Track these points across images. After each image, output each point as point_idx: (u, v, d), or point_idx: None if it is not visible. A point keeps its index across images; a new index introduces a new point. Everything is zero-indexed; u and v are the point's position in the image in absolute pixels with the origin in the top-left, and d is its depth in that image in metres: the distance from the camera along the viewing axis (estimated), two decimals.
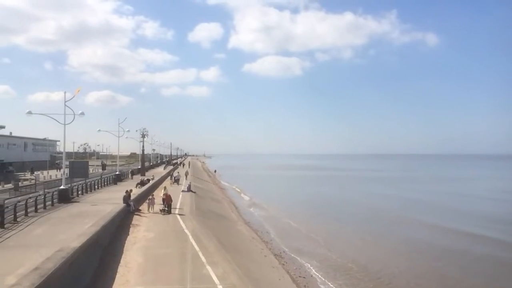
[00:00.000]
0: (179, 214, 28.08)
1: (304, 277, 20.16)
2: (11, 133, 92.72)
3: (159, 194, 32.20)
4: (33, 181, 53.29)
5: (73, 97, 31.22)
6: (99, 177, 48.59)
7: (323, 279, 20.57)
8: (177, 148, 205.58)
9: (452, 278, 21.77)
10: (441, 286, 20.62)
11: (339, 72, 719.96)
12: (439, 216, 41.34)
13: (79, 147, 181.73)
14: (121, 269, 15.22)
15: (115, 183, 48.38)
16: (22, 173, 72.12)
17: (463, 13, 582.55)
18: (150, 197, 30.13)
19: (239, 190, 67.38)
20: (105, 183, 46.19)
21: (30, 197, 27.06)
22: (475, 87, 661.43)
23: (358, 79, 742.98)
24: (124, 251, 17.81)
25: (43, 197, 27.30)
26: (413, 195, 60.39)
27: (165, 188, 33.47)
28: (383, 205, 49.87)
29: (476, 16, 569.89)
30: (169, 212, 28.25)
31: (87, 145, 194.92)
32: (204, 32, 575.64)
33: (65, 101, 30.32)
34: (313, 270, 21.97)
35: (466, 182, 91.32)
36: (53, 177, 64.22)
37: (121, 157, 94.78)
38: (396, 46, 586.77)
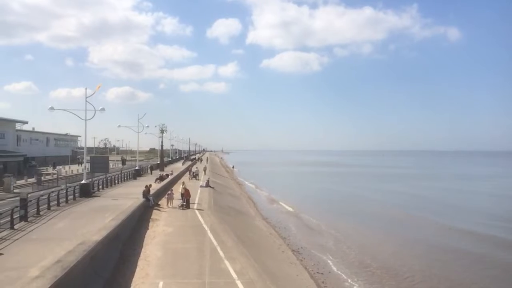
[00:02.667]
0: (198, 209, 28.25)
1: (322, 273, 20.05)
2: (33, 128, 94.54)
3: (177, 189, 32.45)
4: (55, 176, 54.38)
5: (94, 93, 31.56)
6: (119, 172, 49.21)
7: (343, 276, 20.43)
8: (196, 144, 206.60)
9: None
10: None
11: (357, 68, 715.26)
12: (454, 216, 40.19)
13: (99, 143, 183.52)
14: (141, 263, 15.42)
15: (135, 178, 48.93)
16: (45, 168, 73.64)
17: (487, 6, 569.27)
18: (169, 192, 30.38)
19: (256, 186, 67.38)
20: (125, 178, 46.73)
21: (52, 191, 27.59)
22: (499, 84, 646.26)
23: (377, 74, 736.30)
24: (143, 245, 18.03)
25: (65, 191, 27.76)
26: (428, 193, 59.19)
27: (183, 183, 33.71)
28: (399, 203, 48.79)
29: (500, 10, 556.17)
30: (187, 207, 28.45)
31: (108, 141, 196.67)
32: (223, 28, 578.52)
33: (86, 97, 30.74)
34: (332, 267, 21.83)
35: (485, 180, 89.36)
36: (75, 172, 65.42)
37: (141, 152, 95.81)
38: (417, 41, 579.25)
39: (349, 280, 19.71)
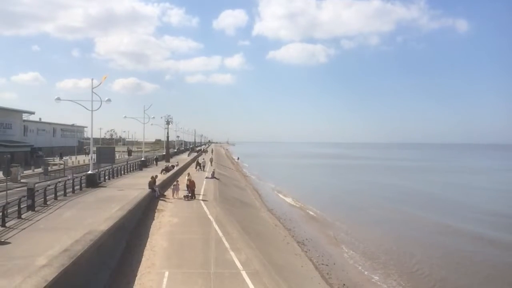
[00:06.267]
0: (203, 200, 28.37)
1: (327, 265, 20.09)
2: (40, 119, 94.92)
3: (183, 181, 32.58)
4: (62, 166, 54.66)
5: (100, 84, 31.65)
6: (125, 163, 49.41)
7: (352, 264, 20.48)
8: (201, 135, 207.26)
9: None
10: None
11: (364, 60, 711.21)
12: (457, 213, 39.59)
13: (105, 133, 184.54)
14: (147, 253, 15.54)
15: (141, 169, 49.12)
16: (51, 158, 73.94)
17: None
18: (175, 183, 30.52)
19: (262, 178, 67.44)
20: (131, 169, 46.94)
21: (59, 181, 27.76)
22: (508, 76, 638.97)
23: (384, 66, 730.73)
24: (149, 235, 18.16)
25: (71, 181, 27.94)
26: (432, 189, 58.51)
27: (189, 174, 33.84)
28: (403, 198, 48.29)
29: (509, 2, 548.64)
30: (193, 198, 28.58)
31: (114, 132, 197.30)
32: (229, 19, 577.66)
33: (93, 88, 30.81)
34: (338, 258, 21.86)
35: (491, 173, 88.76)
36: (81, 162, 65.83)
37: (146, 143, 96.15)
38: (425, 33, 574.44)
39: (366, 273, 19.73)
